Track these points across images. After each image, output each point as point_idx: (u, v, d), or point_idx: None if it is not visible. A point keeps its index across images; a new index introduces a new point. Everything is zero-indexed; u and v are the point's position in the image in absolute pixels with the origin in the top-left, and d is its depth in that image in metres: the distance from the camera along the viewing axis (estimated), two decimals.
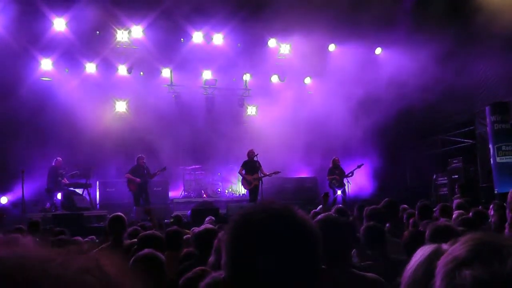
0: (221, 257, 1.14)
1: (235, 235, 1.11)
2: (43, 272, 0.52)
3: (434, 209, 5.71)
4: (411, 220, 5.34)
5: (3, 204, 11.35)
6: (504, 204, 3.86)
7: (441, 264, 0.89)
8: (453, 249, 0.90)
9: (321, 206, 6.94)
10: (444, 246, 1.50)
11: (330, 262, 2.36)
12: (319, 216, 2.65)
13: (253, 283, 1.05)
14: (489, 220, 4.64)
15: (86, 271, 0.54)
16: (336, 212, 5.65)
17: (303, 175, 14.69)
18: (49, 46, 12.24)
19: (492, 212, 4.49)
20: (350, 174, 12.62)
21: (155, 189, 12.61)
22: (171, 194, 13.44)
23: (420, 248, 1.56)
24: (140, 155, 11.77)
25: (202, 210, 10.35)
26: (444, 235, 2.11)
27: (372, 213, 4.45)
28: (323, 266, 2.31)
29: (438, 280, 0.86)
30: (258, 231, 1.08)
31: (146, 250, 2.98)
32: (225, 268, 1.10)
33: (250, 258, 1.06)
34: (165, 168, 11.81)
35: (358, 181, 13.53)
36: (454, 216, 4.94)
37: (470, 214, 4.93)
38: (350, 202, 11.83)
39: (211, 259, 3.16)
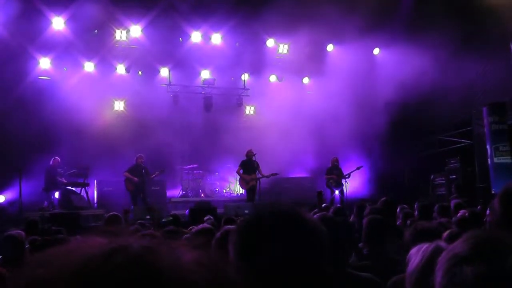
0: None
1: (246, 235, 1.12)
2: (173, 264, 0.51)
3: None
4: (408, 221, 5.33)
5: (0, 203, 11.32)
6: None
7: (442, 261, 0.90)
8: (454, 246, 0.91)
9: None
10: (441, 243, 1.51)
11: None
12: (315, 216, 2.65)
13: (262, 281, 1.06)
14: (484, 220, 4.63)
15: (201, 264, 0.53)
16: (334, 212, 5.66)
17: (301, 175, 14.69)
18: (48, 45, 12.21)
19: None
20: (347, 176, 12.57)
21: (153, 188, 12.58)
22: (169, 193, 13.43)
23: (416, 247, 1.57)
24: (139, 154, 11.78)
25: (200, 209, 10.34)
26: (425, 236, 2.12)
27: (373, 213, 4.45)
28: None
29: (438, 276, 0.87)
30: (269, 231, 1.10)
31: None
32: (234, 267, 1.10)
33: (260, 257, 1.07)
34: (164, 170, 11.84)
35: (356, 181, 13.53)
36: (459, 215, 4.94)
37: (466, 214, 4.93)
38: (348, 202, 11.84)
39: None
